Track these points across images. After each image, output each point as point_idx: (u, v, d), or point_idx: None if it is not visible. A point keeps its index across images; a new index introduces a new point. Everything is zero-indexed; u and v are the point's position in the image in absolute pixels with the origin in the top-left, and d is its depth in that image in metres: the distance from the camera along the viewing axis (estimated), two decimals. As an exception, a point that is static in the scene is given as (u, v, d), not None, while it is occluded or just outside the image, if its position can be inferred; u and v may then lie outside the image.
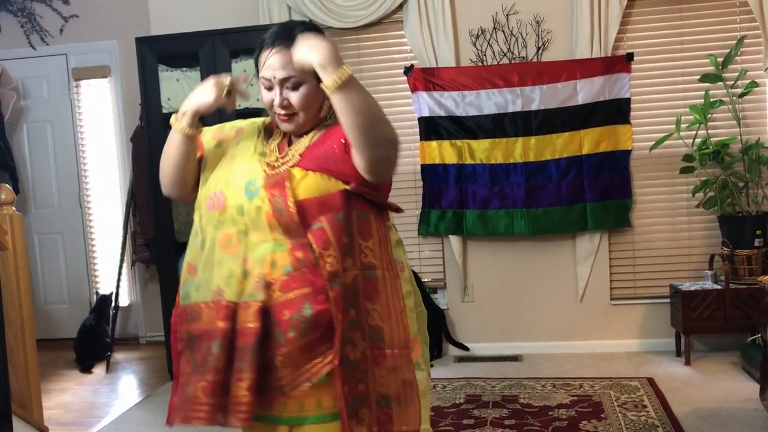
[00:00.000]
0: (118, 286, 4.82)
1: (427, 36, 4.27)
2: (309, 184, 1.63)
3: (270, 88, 1.68)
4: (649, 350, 4.31)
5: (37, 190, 5.39)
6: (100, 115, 5.31)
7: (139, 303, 5.25)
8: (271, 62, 1.66)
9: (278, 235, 1.62)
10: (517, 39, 4.28)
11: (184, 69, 4.21)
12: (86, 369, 4.65)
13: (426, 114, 4.31)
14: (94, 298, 5.20)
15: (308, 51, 1.56)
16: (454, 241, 4.42)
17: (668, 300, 4.21)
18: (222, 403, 1.59)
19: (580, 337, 4.39)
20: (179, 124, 1.70)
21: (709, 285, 4.01)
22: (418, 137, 4.35)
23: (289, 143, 1.74)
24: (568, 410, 3.41)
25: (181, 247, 4.30)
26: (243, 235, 1.64)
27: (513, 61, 4.28)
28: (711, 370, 3.91)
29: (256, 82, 1.77)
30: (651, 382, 3.75)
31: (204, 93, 1.70)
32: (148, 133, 4.24)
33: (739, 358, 3.93)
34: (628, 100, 4.20)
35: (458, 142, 4.33)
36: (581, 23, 4.15)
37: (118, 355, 4.95)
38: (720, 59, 3.98)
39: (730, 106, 4.03)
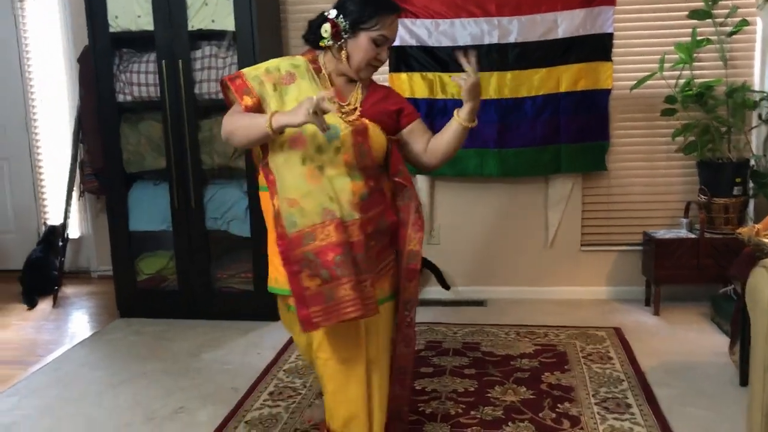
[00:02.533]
0: (66, 217, 4.57)
1: (400, -43, 3.95)
2: (376, 135, 2.12)
3: (380, 45, 2.11)
4: (617, 298, 4.19)
5: (-20, 112, 5.04)
6: (47, 33, 4.92)
7: (90, 235, 4.99)
8: (395, 27, 2.13)
9: (351, 169, 2.07)
10: (496, -36, 3.97)
11: (134, -16, 3.85)
12: (32, 304, 4.42)
13: (396, 43, 4.00)
14: (43, 228, 4.94)
15: (478, 95, 2.18)
16: (421, 180, 4.20)
17: (640, 247, 4.06)
18: (361, 297, 1.99)
19: (548, 283, 4.25)
20: (269, 127, 1.97)
21: (683, 233, 3.87)
22: (387, 68, 4.07)
23: (339, 93, 2.15)
24: (531, 360, 3.28)
25: (131, 178, 4.07)
26: (320, 170, 2.04)
27: (491, -11, 3.98)
28: (680, 320, 3.80)
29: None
30: (618, 331, 3.63)
31: (296, 116, 1.91)
32: (94, 53, 3.90)
33: (710, 309, 3.81)
34: (610, 36, 3.94)
35: (429, 75, 4.06)
36: (565, -51, 3.85)
37: (68, 290, 4.72)
38: (710, -6, 3.73)
39: (717, 46, 3.80)
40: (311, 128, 1.98)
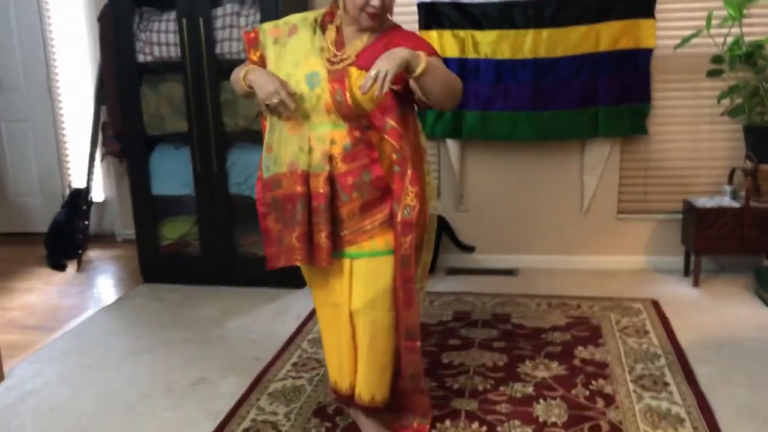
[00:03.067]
0: (89, 180, 4.50)
1: None
2: (358, 82, 2.01)
3: None
4: (655, 269, 4.02)
5: (3, 73, 4.96)
6: (68, -8, 4.82)
7: (115, 198, 4.94)
8: None
9: (335, 118, 2.08)
10: None
11: (154, -61, 3.71)
12: (58, 267, 4.40)
13: None
14: (67, 191, 4.89)
15: (391, 59, 1.87)
16: (452, 145, 4.04)
17: (680, 216, 3.88)
18: (309, 247, 2.11)
19: (582, 252, 4.09)
20: (243, 81, 2.11)
21: (727, 202, 3.67)
22: (417, 26, 3.88)
23: (340, 42, 2.12)
24: (563, 333, 3.15)
25: (152, 142, 3.97)
26: (305, 118, 2.09)
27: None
28: (721, 293, 3.63)
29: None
30: (655, 304, 3.47)
31: (261, 90, 2.05)
32: (114, 12, 3.78)
33: (753, 281, 3.63)
34: (654, -10, 3.71)
35: (461, 33, 3.87)
36: None
37: (92, 253, 4.70)
38: (764, -55, 3.47)
39: (770, 1, 3.56)
40: (295, 75, 2.07)
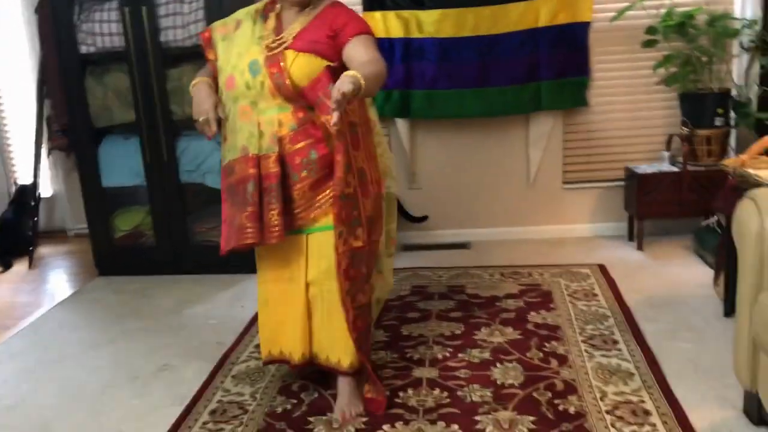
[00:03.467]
0: (35, 175, 4.44)
1: None
2: (300, 64, 2.17)
3: None
4: (601, 235, 4.18)
5: (-62, 69, 4.83)
6: (2, -18, 4.70)
7: (63, 193, 4.87)
8: None
9: (280, 101, 2.19)
10: None
11: (89, -74, 3.65)
12: (6, 266, 4.33)
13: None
14: (13, 188, 4.80)
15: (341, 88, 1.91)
16: (401, 124, 4.11)
17: (623, 183, 4.03)
18: (260, 227, 2.20)
19: (531, 222, 4.22)
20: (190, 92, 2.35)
21: (665, 167, 3.83)
22: (361, 8, 3.92)
23: (279, 27, 2.24)
24: (516, 300, 3.26)
25: (99, 134, 3.93)
26: (254, 105, 2.21)
27: None
28: (664, 255, 3.80)
29: None
30: (602, 268, 3.62)
31: (195, 110, 2.28)
32: (51, 3, 3.72)
33: (693, 242, 3.81)
34: (589, -35, 3.82)
35: (405, 13, 3.92)
36: None
37: (44, 250, 4.63)
38: None
39: (698, -27, 3.70)
40: (240, 66, 2.21)
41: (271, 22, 2.27)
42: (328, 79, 2.12)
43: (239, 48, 2.25)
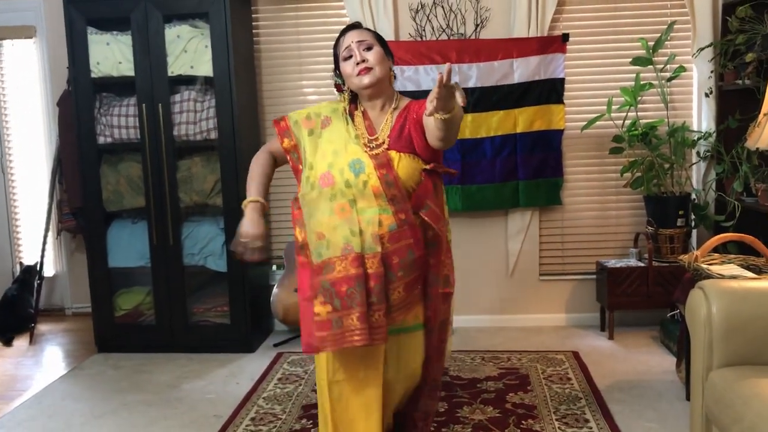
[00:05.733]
0: (42, 256, 4.67)
1: (367, 9, 4.23)
2: (404, 165, 2.19)
3: (349, 57, 2.24)
4: (575, 324, 4.45)
5: (-44, 154, 5.12)
6: (24, 77, 5.08)
7: (65, 273, 5.09)
8: (350, 34, 2.27)
9: (382, 202, 2.16)
10: (456, 15, 4.29)
11: (115, 32, 4.06)
12: (8, 341, 4.50)
13: (364, 88, 4.28)
14: (18, 268, 5.02)
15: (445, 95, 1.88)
16: (390, 215, 4.43)
17: (594, 276, 4.34)
18: (368, 328, 2.10)
19: (510, 311, 4.49)
20: (244, 206, 2.30)
21: (633, 262, 4.16)
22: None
23: (370, 127, 2.27)
24: (496, 382, 3.50)
25: (110, 217, 4.22)
26: (353, 204, 2.15)
27: (452, 38, 4.29)
28: (632, 344, 4.07)
29: None
30: (576, 355, 3.87)
31: (243, 228, 2.25)
32: (75, 98, 4.08)
33: (659, 332, 4.09)
34: (562, 81, 4.27)
35: (395, 117, 4.31)
36: (519, 2, 4.18)
37: (43, 327, 4.81)
38: (651, 43, 4.08)
39: (659, 90, 4.15)
40: (338, 164, 2.20)
41: (360, 120, 2.29)
42: (433, 185, 2.22)
43: (333, 146, 2.23)
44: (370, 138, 2.25)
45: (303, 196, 2.25)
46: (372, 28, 2.40)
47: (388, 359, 2.27)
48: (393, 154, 2.20)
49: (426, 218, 2.19)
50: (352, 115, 2.30)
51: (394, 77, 2.32)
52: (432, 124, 2.05)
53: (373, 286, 2.12)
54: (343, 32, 2.32)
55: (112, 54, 4.02)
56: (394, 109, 2.29)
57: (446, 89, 1.86)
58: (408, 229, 2.17)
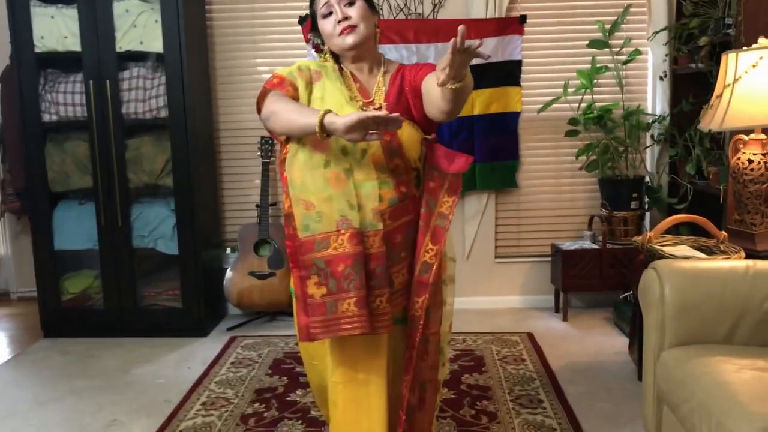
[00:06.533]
0: (-16, 238, 4.50)
1: (323, -14, 4.15)
2: (407, 133, 1.96)
3: (328, 14, 1.97)
4: (530, 306, 4.47)
5: None
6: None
7: (10, 256, 4.92)
8: None
9: (381, 173, 1.92)
10: (413, -5, 4.23)
11: (60, 5, 3.88)
12: (-52, 326, 4.34)
13: (320, 67, 4.21)
14: (-41, 250, 4.84)
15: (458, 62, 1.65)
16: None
17: (549, 258, 4.37)
18: (368, 314, 1.85)
19: (466, 293, 4.48)
20: (318, 126, 1.77)
21: (587, 245, 4.19)
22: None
23: (363, 89, 2.01)
24: (452, 364, 3.49)
25: (56, 198, 4.07)
26: (349, 173, 1.90)
27: (409, 17, 4.23)
28: (586, 325, 4.10)
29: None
30: (530, 336, 3.89)
31: (344, 127, 1.73)
32: (18, 74, 3.91)
33: (612, 314, 4.14)
34: (519, 63, 4.26)
35: (352, 98, 4.25)
36: (477, -18, 4.15)
37: (-14, 312, 4.65)
38: (607, 26, 4.09)
39: (614, 73, 4.17)
40: None
41: (351, 82, 2.02)
42: (433, 151, 2.02)
43: (328, 105, 1.88)
44: (366, 101, 1.99)
45: (290, 158, 1.95)
46: None
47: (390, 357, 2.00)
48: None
49: (431, 183, 1.99)
50: (341, 74, 2.03)
51: (379, 34, 2.07)
52: (437, 94, 1.81)
53: (374, 267, 1.88)
54: None
55: (57, 28, 3.86)
56: (385, 72, 2.04)
57: (462, 55, 1.62)
58: (410, 203, 1.98)
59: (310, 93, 1.98)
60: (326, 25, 1.99)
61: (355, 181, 1.91)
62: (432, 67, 1.98)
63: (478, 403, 3.03)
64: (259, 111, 2.00)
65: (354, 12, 1.96)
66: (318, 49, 2.11)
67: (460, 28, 1.59)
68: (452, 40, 1.60)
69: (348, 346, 1.96)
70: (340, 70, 2.04)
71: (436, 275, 1.96)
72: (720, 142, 3.76)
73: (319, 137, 1.80)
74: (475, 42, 1.61)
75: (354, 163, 1.91)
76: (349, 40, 1.97)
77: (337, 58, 2.06)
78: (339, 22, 1.96)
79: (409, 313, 1.98)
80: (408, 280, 1.98)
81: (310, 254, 1.90)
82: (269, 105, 1.92)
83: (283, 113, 1.88)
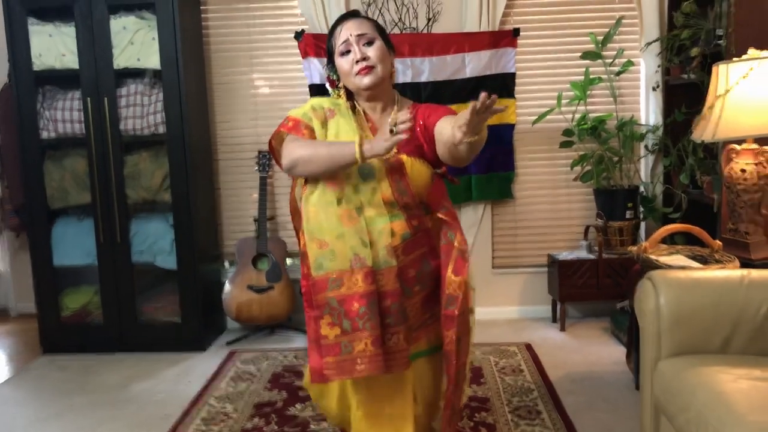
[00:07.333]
0: (-17, 256, 4.51)
1: (319, 1, 4.18)
2: (416, 170, 1.97)
3: (346, 52, 1.99)
4: (528, 317, 4.49)
5: None
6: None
7: (9, 273, 4.93)
8: (347, 25, 2.00)
9: (392, 209, 1.94)
10: (408, 9, 4.27)
11: (58, 23, 3.92)
12: (-52, 344, 4.34)
13: (317, 81, 4.24)
14: (-43, 268, 4.84)
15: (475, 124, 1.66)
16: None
17: (546, 269, 4.39)
18: (383, 353, 1.87)
19: (464, 305, 4.50)
20: (358, 155, 1.83)
21: (584, 255, 4.21)
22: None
23: (374, 129, 2.02)
24: (450, 376, 3.50)
25: (55, 214, 4.09)
26: (359, 211, 1.93)
27: (404, 32, 4.27)
28: (584, 335, 4.12)
29: None
30: (528, 347, 3.91)
31: (381, 144, 1.81)
32: (16, 92, 3.94)
33: (609, 323, 4.16)
34: (513, 75, 4.30)
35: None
36: (470, -4, 4.19)
37: (-16, 329, 4.65)
38: (600, 38, 4.14)
39: (608, 84, 4.21)
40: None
41: (363, 121, 2.04)
42: (444, 188, 2.06)
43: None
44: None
45: (306, 196, 1.98)
46: (367, 18, 2.08)
47: (418, 389, 2.02)
48: (404, 158, 1.97)
49: (444, 216, 2.00)
50: (353, 113, 2.06)
51: (395, 73, 2.10)
52: (449, 141, 1.79)
53: (390, 305, 1.89)
54: (340, 21, 2.06)
55: (54, 46, 3.89)
56: (395, 108, 2.06)
57: (480, 116, 1.64)
58: (422, 237, 1.99)
59: (326, 131, 2.00)
60: (344, 64, 2.01)
61: (366, 218, 1.93)
62: (446, 111, 2.03)
63: (476, 414, 3.04)
64: (271, 149, 2.07)
65: (372, 52, 1.99)
66: (333, 84, 2.11)
67: (483, 94, 1.60)
68: (472, 103, 1.63)
69: (371, 383, 1.98)
70: (353, 107, 2.06)
71: (462, 306, 1.95)
72: (713, 152, 3.79)
73: (360, 162, 1.87)
74: (493, 97, 1.62)
75: (365, 201, 1.95)
76: (366, 80, 1.99)
77: (350, 94, 2.10)
78: (357, 62, 1.98)
79: (443, 348, 1.99)
80: (422, 313, 2.01)
81: (323, 293, 1.91)
82: (291, 153, 1.94)
83: (320, 157, 1.90)
